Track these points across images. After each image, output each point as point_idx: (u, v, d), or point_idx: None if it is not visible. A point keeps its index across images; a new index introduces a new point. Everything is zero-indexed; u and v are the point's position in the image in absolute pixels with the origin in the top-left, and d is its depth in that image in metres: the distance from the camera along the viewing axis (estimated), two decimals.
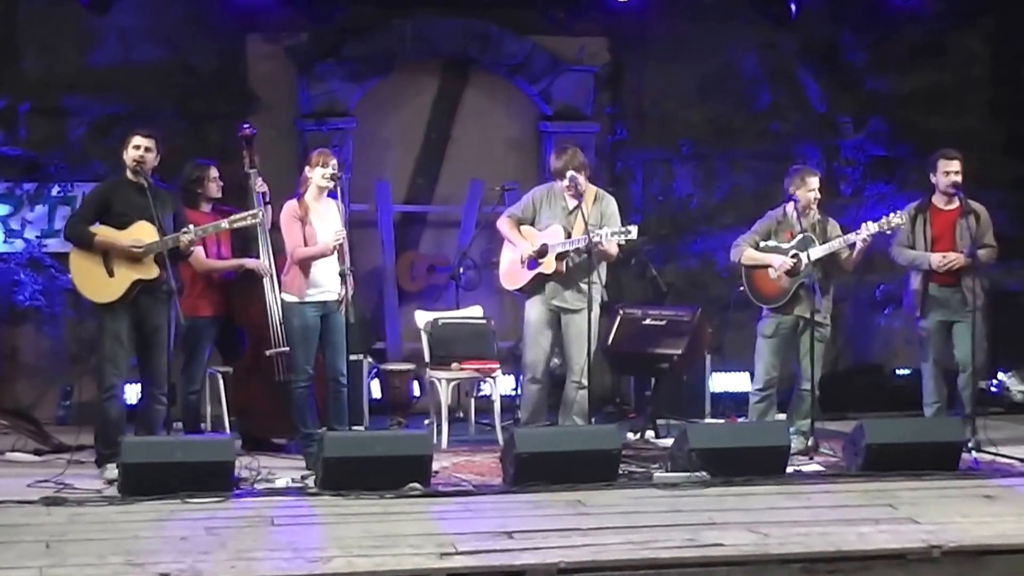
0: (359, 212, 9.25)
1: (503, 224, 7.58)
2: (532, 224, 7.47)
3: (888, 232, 7.45)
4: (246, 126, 7.65)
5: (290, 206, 7.12)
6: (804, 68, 10.38)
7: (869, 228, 7.36)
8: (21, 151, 9.12)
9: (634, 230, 7.21)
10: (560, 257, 7.23)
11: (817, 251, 7.38)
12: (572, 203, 7.36)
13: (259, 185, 7.46)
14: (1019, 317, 9.90)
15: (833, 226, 7.59)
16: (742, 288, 7.74)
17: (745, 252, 7.63)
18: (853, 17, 10.27)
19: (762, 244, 7.62)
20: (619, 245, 7.28)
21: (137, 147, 6.78)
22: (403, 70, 9.78)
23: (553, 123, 9.88)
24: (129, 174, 6.81)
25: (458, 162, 9.91)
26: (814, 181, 7.53)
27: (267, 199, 7.54)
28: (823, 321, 7.47)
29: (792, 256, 7.46)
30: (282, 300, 7.16)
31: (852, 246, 7.41)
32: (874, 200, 10.11)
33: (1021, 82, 10.48)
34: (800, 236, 7.48)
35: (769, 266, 7.54)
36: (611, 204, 7.38)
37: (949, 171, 7.51)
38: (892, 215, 7.40)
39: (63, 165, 9.07)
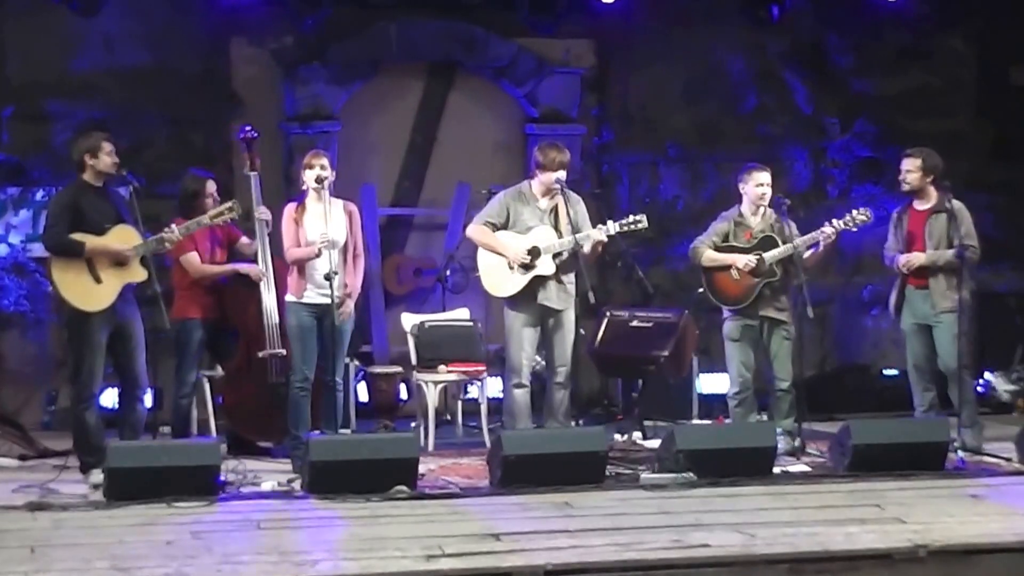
0: None
1: (478, 232, 7.30)
2: (505, 228, 7.26)
3: (853, 229, 7.45)
4: (248, 128, 7.63)
5: (288, 208, 7.13)
6: (791, 70, 10.40)
7: (833, 225, 7.37)
8: (5, 156, 9.11)
9: (644, 219, 7.19)
10: (554, 257, 7.19)
11: (782, 250, 7.37)
12: (546, 203, 7.25)
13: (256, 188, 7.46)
14: (1005, 318, 9.94)
15: (791, 226, 7.57)
16: (701, 290, 7.73)
17: (705, 253, 7.61)
18: (839, 19, 10.29)
19: (722, 245, 7.60)
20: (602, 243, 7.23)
21: (111, 153, 6.75)
22: (388, 73, 9.79)
23: (539, 125, 9.88)
24: (93, 178, 6.76)
25: (444, 165, 9.91)
26: (761, 176, 7.51)
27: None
28: (787, 320, 7.46)
29: (755, 255, 7.45)
30: (285, 300, 7.15)
31: (816, 244, 7.41)
32: (862, 201, 10.10)
33: (1007, 84, 10.52)
34: (762, 236, 7.48)
35: (731, 266, 7.53)
36: (581, 203, 7.30)
37: (900, 169, 7.52)
38: (856, 212, 7.41)
39: (47, 170, 9.05)
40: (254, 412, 7.54)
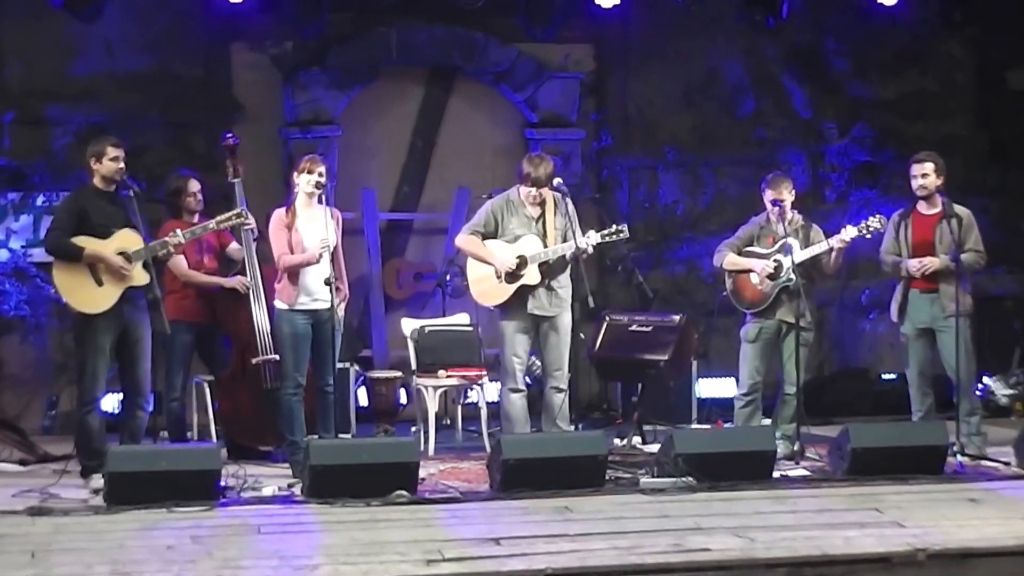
0: (345, 220, 9.19)
1: (467, 241, 7.31)
2: (494, 236, 7.26)
3: (868, 236, 7.44)
4: (229, 135, 7.64)
5: (278, 214, 7.11)
6: (788, 74, 10.42)
7: (849, 232, 7.38)
8: (5, 161, 9.12)
9: (625, 228, 7.21)
10: (541, 266, 7.20)
11: (798, 255, 7.40)
12: (534, 211, 7.24)
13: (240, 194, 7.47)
14: (1003, 322, 9.96)
15: (816, 231, 7.60)
16: (725, 293, 7.77)
17: (727, 257, 7.65)
18: (837, 23, 10.31)
19: (745, 249, 7.64)
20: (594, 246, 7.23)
21: (115, 158, 6.76)
22: (388, 78, 9.81)
23: (539, 130, 9.91)
24: (100, 183, 6.78)
25: (444, 170, 9.93)
26: (774, 192, 7.49)
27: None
28: (806, 326, 7.48)
29: (773, 261, 7.48)
30: (274, 307, 7.14)
31: (830, 250, 7.43)
32: (859, 205, 10.15)
33: (1005, 89, 10.54)
34: (782, 241, 7.50)
35: (751, 271, 7.57)
36: (569, 203, 7.27)
37: (917, 174, 7.50)
38: (871, 219, 7.40)
39: (47, 175, 9.07)
40: (250, 418, 7.54)
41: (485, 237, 7.28)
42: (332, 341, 6.96)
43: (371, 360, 9.45)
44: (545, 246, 7.17)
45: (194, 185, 7.56)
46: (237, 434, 7.63)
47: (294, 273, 7.00)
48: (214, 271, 7.60)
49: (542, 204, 7.22)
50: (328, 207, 7.13)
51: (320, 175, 7.03)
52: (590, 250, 7.12)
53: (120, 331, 6.74)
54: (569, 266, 7.20)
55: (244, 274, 7.50)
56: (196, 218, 7.46)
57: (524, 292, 7.16)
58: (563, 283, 7.22)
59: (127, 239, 6.72)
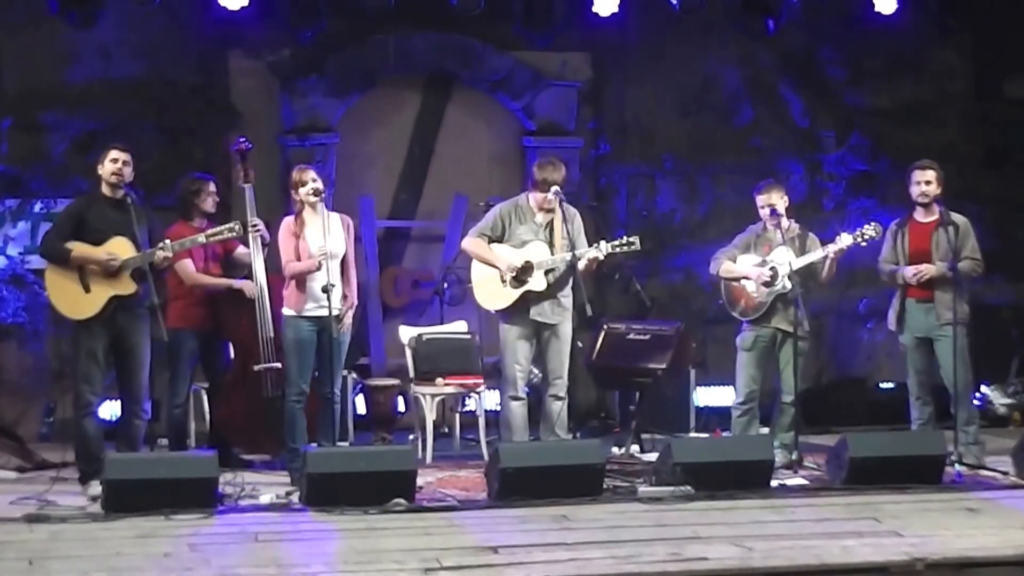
0: None
1: (474, 244, 7.32)
2: (500, 241, 7.28)
3: (863, 244, 7.45)
4: (242, 140, 7.64)
5: (286, 222, 7.12)
6: (785, 83, 10.43)
7: (844, 240, 7.38)
8: (2, 167, 9.11)
9: (636, 241, 7.21)
10: (547, 273, 7.21)
11: (794, 263, 7.39)
12: (543, 217, 7.27)
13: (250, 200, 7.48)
14: (1001, 331, 9.96)
15: (813, 240, 7.60)
16: (722, 301, 7.77)
17: (723, 265, 7.65)
18: (833, 31, 10.32)
19: (740, 257, 7.64)
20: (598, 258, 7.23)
21: (115, 161, 6.77)
22: (386, 86, 9.81)
23: (536, 138, 9.92)
24: (106, 189, 6.79)
25: (441, 177, 9.93)
26: (763, 198, 7.50)
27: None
28: (803, 334, 7.47)
29: (769, 269, 7.49)
30: (281, 314, 7.13)
31: (826, 258, 7.43)
32: (857, 214, 10.15)
33: (1001, 97, 10.56)
34: (777, 249, 7.50)
35: (746, 278, 7.56)
36: (577, 218, 7.30)
37: (919, 181, 7.51)
38: (866, 227, 7.41)
39: (45, 181, 9.06)
40: (248, 426, 7.52)
41: (492, 241, 7.28)
42: (334, 348, 6.94)
43: (369, 368, 9.44)
44: (552, 254, 7.17)
45: (212, 186, 7.58)
46: (234, 440, 7.61)
47: (301, 280, 7.01)
48: (218, 278, 7.59)
49: (552, 211, 7.22)
50: (339, 214, 7.15)
51: (314, 181, 7.04)
52: (601, 257, 7.11)
53: (112, 338, 6.74)
54: (570, 276, 7.20)
55: (251, 279, 7.50)
56: (204, 222, 7.45)
57: (527, 298, 7.16)
58: (565, 291, 7.22)
59: (118, 246, 6.71)
